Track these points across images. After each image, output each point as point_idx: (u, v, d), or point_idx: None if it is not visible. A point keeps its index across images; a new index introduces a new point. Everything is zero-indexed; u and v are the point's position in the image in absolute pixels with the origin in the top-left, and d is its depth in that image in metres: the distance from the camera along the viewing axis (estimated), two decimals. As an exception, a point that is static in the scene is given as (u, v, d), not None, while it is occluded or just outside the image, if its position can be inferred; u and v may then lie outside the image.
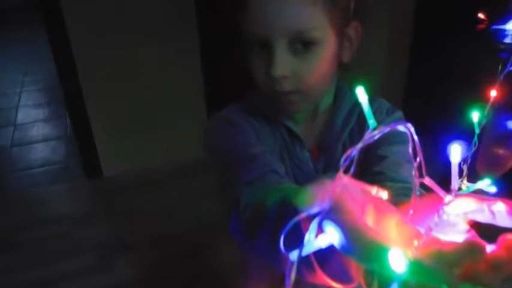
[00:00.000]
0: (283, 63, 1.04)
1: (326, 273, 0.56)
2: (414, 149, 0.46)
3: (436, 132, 1.94)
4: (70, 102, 3.65)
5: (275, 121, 1.22)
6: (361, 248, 0.45)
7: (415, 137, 0.45)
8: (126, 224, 3.42)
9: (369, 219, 0.50)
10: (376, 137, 0.46)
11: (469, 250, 0.43)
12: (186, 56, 3.68)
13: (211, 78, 3.77)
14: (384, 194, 0.54)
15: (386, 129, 0.45)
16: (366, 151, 1.07)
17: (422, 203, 0.52)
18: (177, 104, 3.82)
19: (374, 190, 0.54)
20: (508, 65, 1.01)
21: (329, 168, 1.21)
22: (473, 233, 0.51)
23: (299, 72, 1.06)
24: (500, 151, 1.76)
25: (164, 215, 3.44)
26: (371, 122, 0.47)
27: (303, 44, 1.04)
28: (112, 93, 3.66)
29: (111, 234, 3.33)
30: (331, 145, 1.22)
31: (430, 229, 0.47)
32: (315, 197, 0.53)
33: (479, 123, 0.79)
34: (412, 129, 0.45)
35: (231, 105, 1.28)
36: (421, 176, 0.47)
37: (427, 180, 0.49)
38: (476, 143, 0.84)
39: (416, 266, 0.41)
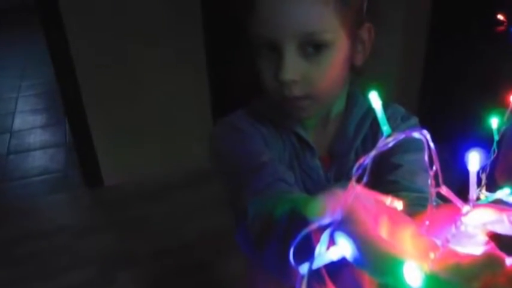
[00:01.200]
0: (293, 66, 1.03)
1: (338, 287, 0.56)
2: (430, 157, 0.46)
3: (453, 139, 1.94)
4: (69, 108, 3.65)
5: (284, 127, 1.22)
6: (375, 261, 0.45)
7: (431, 145, 0.45)
8: (128, 235, 3.42)
9: (383, 231, 0.50)
10: (390, 145, 0.46)
11: (488, 263, 0.43)
12: (190, 61, 3.70)
13: (217, 83, 3.78)
14: (399, 204, 0.53)
15: (401, 136, 0.45)
16: (380, 159, 1.07)
17: (439, 214, 0.52)
18: (181, 110, 3.82)
19: (388, 200, 0.54)
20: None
21: (341, 177, 1.21)
22: (492, 245, 0.50)
23: (309, 77, 1.05)
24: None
25: (167, 226, 3.44)
26: (385, 128, 0.47)
27: (314, 47, 1.04)
28: (113, 98, 3.66)
29: (112, 246, 3.33)
30: (343, 153, 1.22)
31: (447, 241, 0.47)
32: (326, 208, 0.53)
33: (498, 129, 0.78)
34: (428, 136, 0.45)
35: (238, 111, 1.28)
36: (437, 185, 0.47)
37: (444, 190, 0.48)
38: (496, 151, 0.83)
39: (432, 279, 0.41)
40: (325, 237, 0.50)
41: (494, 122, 0.77)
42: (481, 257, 0.43)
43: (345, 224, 0.49)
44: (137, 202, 3.69)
